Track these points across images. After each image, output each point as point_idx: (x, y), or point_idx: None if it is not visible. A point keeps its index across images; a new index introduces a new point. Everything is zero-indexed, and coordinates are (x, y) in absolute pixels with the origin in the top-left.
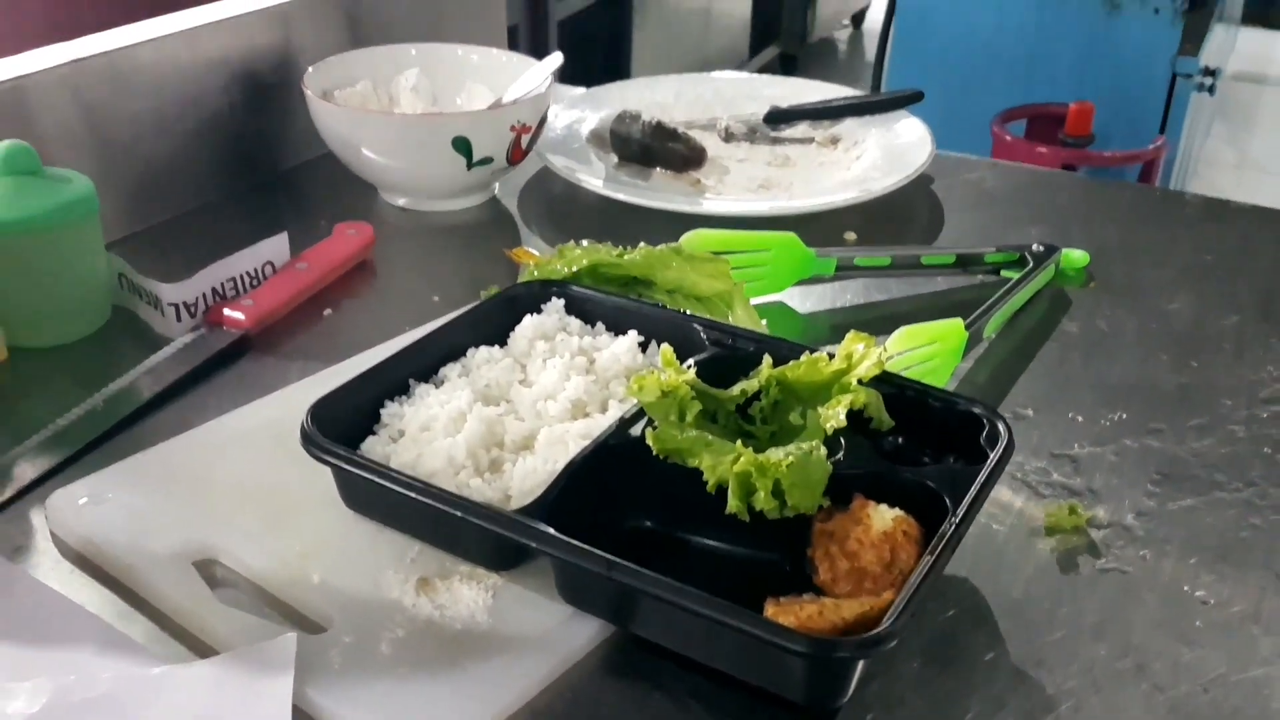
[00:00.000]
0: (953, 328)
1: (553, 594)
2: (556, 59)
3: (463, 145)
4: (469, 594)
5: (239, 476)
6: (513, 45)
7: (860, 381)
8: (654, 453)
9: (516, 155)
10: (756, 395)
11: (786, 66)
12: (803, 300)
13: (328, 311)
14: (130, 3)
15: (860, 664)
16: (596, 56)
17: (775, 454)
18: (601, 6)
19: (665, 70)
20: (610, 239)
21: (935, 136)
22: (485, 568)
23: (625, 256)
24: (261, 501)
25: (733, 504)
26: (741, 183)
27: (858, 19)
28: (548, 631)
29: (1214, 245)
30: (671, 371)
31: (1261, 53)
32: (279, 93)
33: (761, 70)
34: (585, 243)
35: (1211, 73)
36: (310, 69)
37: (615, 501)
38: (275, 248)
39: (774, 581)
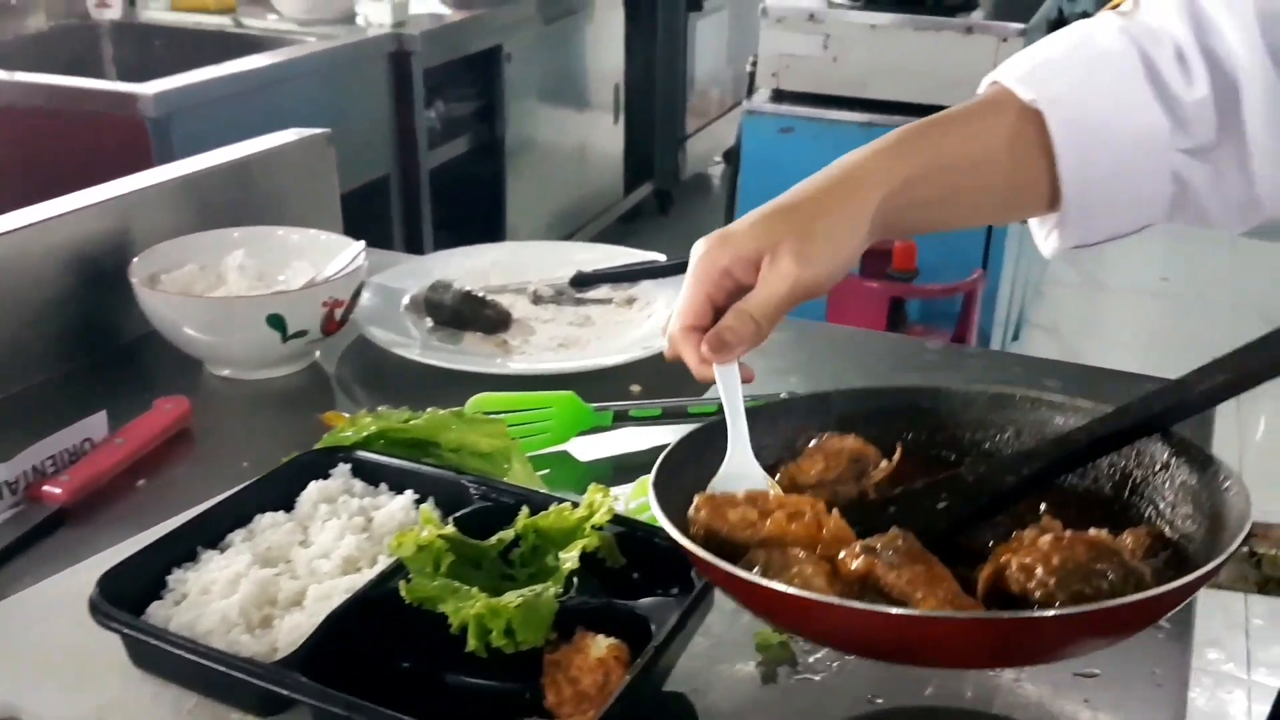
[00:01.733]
0: None
1: None
2: (361, 245)
3: (277, 321)
4: None
5: (45, 640)
6: (384, 195)
7: (596, 526)
8: (407, 601)
9: (331, 327)
10: (516, 542)
11: (662, 203)
12: (587, 449)
13: (141, 482)
14: None
15: None
16: (472, 203)
17: (509, 597)
18: (474, 154)
19: (541, 214)
20: (424, 398)
21: None
22: (254, 715)
23: (411, 421)
24: (63, 662)
25: (471, 643)
26: (544, 343)
27: (729, 155)
28: None
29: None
30: (430, 528)
31: None
32: (116, 276)
33: (639, 206)
34: (381, 409)
35: None
36: (136, 258)
37: (378, 647)
38: (94, 425)
39: (516, 709)
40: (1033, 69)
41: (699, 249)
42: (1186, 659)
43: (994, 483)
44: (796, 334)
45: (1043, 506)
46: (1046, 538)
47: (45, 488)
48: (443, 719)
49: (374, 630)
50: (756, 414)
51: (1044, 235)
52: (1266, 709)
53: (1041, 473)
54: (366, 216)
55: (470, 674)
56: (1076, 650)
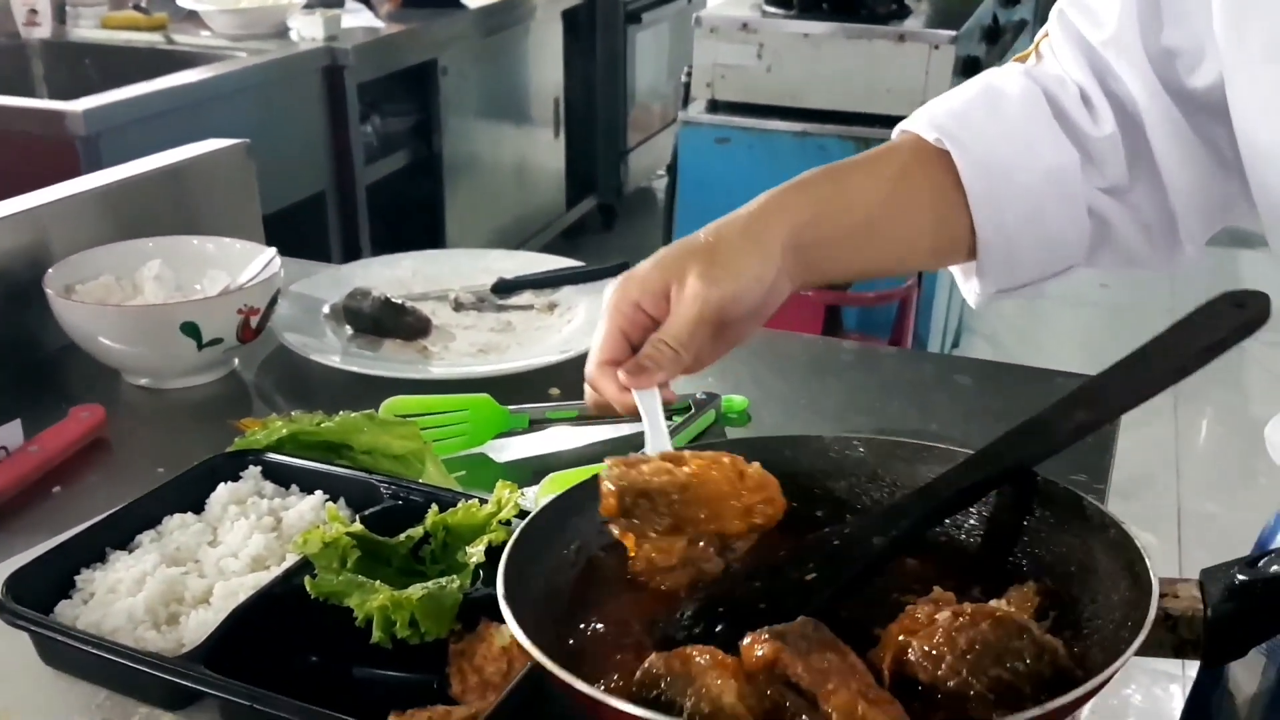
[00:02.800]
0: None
1: None
2: (272, 251)
3: (191, 329)
4: None
5: None
6: (320, 211)
7: (503, 521)
8: (313, 596)
9: (247, 335)
10: (427, 539)
11: (606, 217)
12: (504, 451)
13: (56, 489)
14: None
15: None
16: (411, 219)
17: (413, 590)
18: (411, 170)
19: (482, 229)
20: (344, 405)
21: None
22: (162, 708)
23: (323, 424)
24: None
25: (376, 634)
26: (464, 348)
27: (672, 168)
28: None
29: (859, 388)
30: (336, 525)
31: None
32: (34, 287)
33: (582, 221)
34: (294, 413)
35: None
36: (51, 269)
37: (285, 642)
38: (8, 433)
39: (423, 698)
40: (937, 114)
41: (609, 292)
42: None
43: (863, 546)
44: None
45: (910, 562)
46: (945, 614)
47: None
48: (350, 709)
49: (281, 625)
50: (587, 488)
51: (967, 284)
52: None
53: (910, 530)
54: (303, 233)
55: (377, 666)
56: None
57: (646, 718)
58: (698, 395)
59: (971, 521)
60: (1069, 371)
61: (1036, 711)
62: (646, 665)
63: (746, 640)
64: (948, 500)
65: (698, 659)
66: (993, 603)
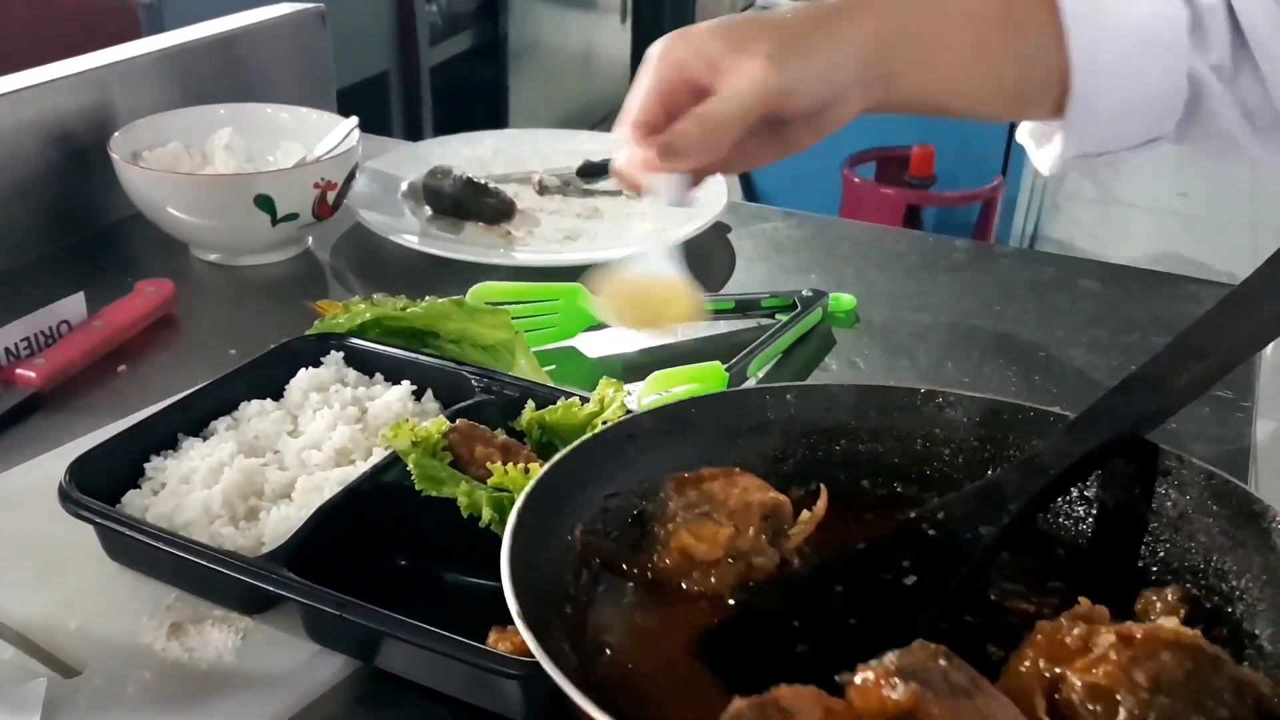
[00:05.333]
0: (712, 370)
1: (302, 634)
2: (353, 121)
3: (265, 202)
4: (219, 637)
5: (13, 530)
6: (383, 92)
7: (606, 423)
8: (415, 488)
9: (324, 211)
10: (520, 438)
11: None
12: (595, 345)
13: (122, 367)
14: None
15: None
16: (474, 102)
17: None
18: (476, 53)
19: (545, 116)
20: (423, 289)
21: (790, 178)
22: (237, 611)
23: (408, 310)
24: (32, 554)
25: (486, 514)
26: (550, 234)
27: None
28: (293, 669)
29: (973, 289)
30: (430, 421)
31: None
32: (96, 153)
33: None
34: (377, 296)
35: None
36: (117, 133)
37: (372, 543)
38: (71, 307)
39: None
40: None
41: (655, 47)
42: None
43: (969, 540)
44: (815, 230)
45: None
46: (1108, 639)
47: (18, 371)
48: (443, 620)
49: (368, 525)
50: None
51: (1041, 150)
52: None
53: (1020, 516)
54: (364, 114)
55: (468, 574)
56: None
57: None
58: (803, 292)
59: (1073, 503)
60: (1196, 278)
61: None
62: (733, 716)
63: (860, 677)
64: (1058, 477)
65: (797, 704)
66: (1163, 622)
